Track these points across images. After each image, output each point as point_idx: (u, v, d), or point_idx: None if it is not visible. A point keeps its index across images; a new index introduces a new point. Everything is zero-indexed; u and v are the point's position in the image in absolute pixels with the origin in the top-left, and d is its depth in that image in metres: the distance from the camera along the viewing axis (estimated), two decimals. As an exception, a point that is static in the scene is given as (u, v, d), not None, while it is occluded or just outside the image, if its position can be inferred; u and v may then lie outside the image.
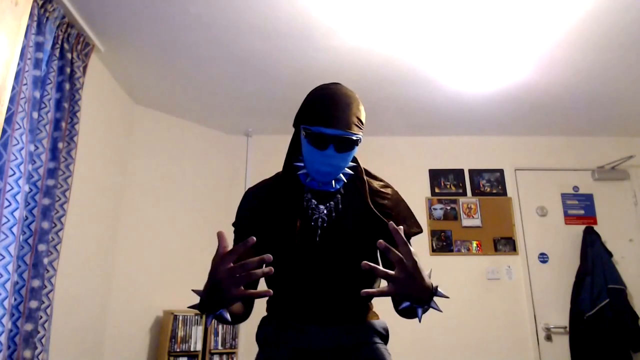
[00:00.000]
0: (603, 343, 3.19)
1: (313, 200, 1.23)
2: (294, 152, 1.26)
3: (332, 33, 2.54)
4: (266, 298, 1.30)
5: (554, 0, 2.25)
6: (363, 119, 1.18)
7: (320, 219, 1.21)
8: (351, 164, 1.25)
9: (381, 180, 1.33)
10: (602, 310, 3.24)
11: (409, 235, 1.25)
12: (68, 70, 2.35)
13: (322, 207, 1.22)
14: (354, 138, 1.15)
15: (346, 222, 1.21)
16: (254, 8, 2.34)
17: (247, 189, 1.34)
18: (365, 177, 1.27)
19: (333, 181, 1.22)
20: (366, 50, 2.70)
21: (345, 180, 1.25)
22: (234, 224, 1.30)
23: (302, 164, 1.23)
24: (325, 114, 1.12)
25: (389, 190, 1.30)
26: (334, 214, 1.22)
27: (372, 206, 1.23)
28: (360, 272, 1.23)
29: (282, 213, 1.22)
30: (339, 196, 1.24)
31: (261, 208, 1.25)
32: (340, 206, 1.23)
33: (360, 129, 1.16)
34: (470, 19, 2.40)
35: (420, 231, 1.29)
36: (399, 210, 1.27)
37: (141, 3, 2.31)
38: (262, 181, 1.34)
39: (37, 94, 2.06)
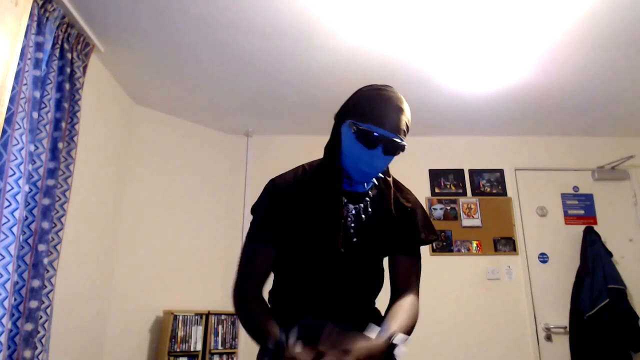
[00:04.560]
0: (603, 343, 3.19)
1: (343, 199, 1.23)
2: (334, 147, 1.22)
3: (333, 33, 2.54)
4: (268, 290, 1.30)
5: (553, 0, 2.25)
6: (410, 127, 1.18)
7: (349, 219, 1.22)
8: None
9: (403, 185, 1.35)
10: (602, 310, 3.23)
11: (427, 242, 1.28)
12: (68, 70, 2.35)
13: (351, 206, 1.23)
14: (402, 144, 1.14)
15: (373, 225, 1.23)
16: (254, 8, 2.34)
17: (271, 180, 1.27)
18: (391, 181, 1.29)
19: (365, 182, 1.22)
20: (366, 51, 2.70)
21: (376, 183, 1.27)
22: (254, 212, 1.26)
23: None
24: (381, 114, 1.11)
25: (410, 197, 1.32)
26: (363, 216, 1.23)
27: (394, 212, 1.25)
28: (374, 272, 1.26)
29: (319, 212, 1.20)
30: (368, 199, 1.25)
31: (292, 204, 1.21)
32: (369, 209, 1.24)
33: (406, 135, 1.16)
34: (470, 19, 2.40)
35: (437, 238, 1.32)
36: (419, 217, 1.29)
37: (141, 3, 2.31)
38: (289, 174, 1.28)
39: (37, 94, 2.06)
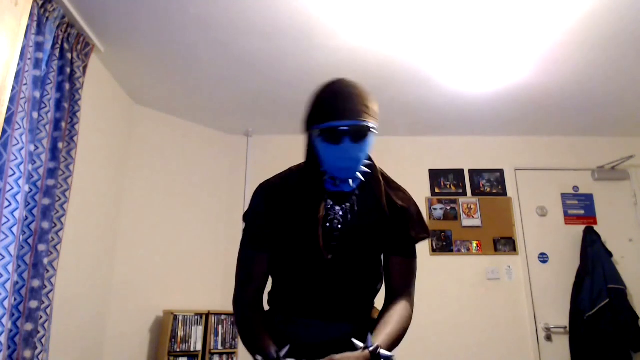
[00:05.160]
0: (603, 343, 3.19)
1: (329, 201, 1.22)
2: (311, 157, 1.23)
3: (333, 33, 2.54)
4: (268, 291, 1.32)
5: (554, 0, 2.25)
6: (374, 107, 1.16)
7: (335, 220, 1.21)
8: (366, 162, 1.24)
9: (394, 182, 1.32)
10: (602, 310, 3.23)
11: (417, 240, 1.26)
12: (68, 70, 2.35)
13: (337, 208, 1.22)
14: (366, 125, 1.12)
15: (361, 224, 1.22)
16: (254, 8, 2.34)
17: (259, 186, 1.30)
18: (380, 177, 1.27)
19: (350, 180, 1.21)
20: (366, 51, 2.70)
21: (363, 179, 1.24)
22: (246, 219, 1.28)
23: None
24: (333, 108, 1.11)
25: (401, 194, 1.29)
26: (349, 216, 1.22)
27: (386, 209, 1.22)
28: (370, 273, 1.25)
29: (297, 213, 1.21)
30: (355, 197, 1.24)
31: (280, 207, 1.23)
32: (356, 208, 1.23)
33: (371, 116, 1.14)
34: (470, 19, 2.40)
35: (428, 236, 1.29)
36: (411, 214, 1.27)
37: (141, 3, 2.31)
38: (277, 177, 1.30)
39: (37, 94, 2.06)
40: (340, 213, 1.22)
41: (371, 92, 1.18)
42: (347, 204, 1.22)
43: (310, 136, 1.21)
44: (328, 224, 1.21)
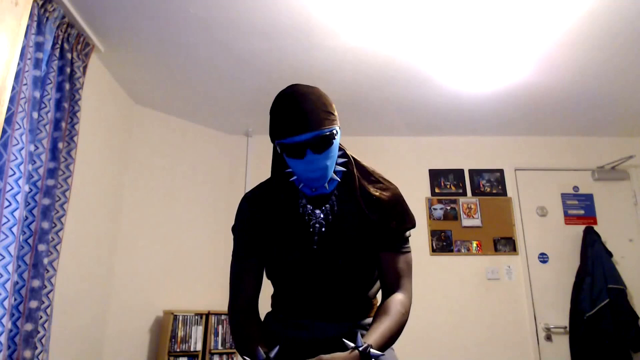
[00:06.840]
0: (603, 343, 3.19)
1: (309, 206, 1.22)
2: (279, 163, 1.25)
3: (333, 33, 2.54)
4: (270, 294, 1.33)
5: (554, 0, 2.25)
6: (330, 109, 1.14)
7: (317, 224, 1.21)
8: (341, 159, 1.23)
9: (375, 173, 1.29)
10: (602, 310, 3.23)
11: (400, 232, 1.22)
12: (68, 70, 2.35)
13: (318, 211, 1.22)
14: (327, 133, 1.11)
15: (343, 224, 1.21)
16: (254, 8, 2.34)
17: (245, 195, 1.32)
18: (356, 173, 1.24)
19: (326, 184, 1.20)
20: (366, 50, 2.70)
21: (339, 180, 1.23)
22: (233, 230, 1.30)
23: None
24: (289, 123, 1.09)
25: (380, 186, 1.25)
26: (330, 217, 1.21)
27: (362, 204, 1.20)
28: (359, 272, 1.25)
29: (279, 221, 1.23)
30: (334, 198, 1.23)
31: (259, 215, 1.25)
32: (335, 208, 1.22)
33: (331, 120, 1.12)
34: (470, 19, 2.41)
35: (412, 226, 1.24)
36: (389, 205, 1.23)
37: (141, 3, 2.31)
38: (259, 185, 1.32)
39: (37, 94, 2.06)
40: (322, 216, 1.21)
41: (323, 93, 1.16)
42: (327, 206, 1.22)
43: (276, 148, 1.22)
44: (311, 229, 1.20)
